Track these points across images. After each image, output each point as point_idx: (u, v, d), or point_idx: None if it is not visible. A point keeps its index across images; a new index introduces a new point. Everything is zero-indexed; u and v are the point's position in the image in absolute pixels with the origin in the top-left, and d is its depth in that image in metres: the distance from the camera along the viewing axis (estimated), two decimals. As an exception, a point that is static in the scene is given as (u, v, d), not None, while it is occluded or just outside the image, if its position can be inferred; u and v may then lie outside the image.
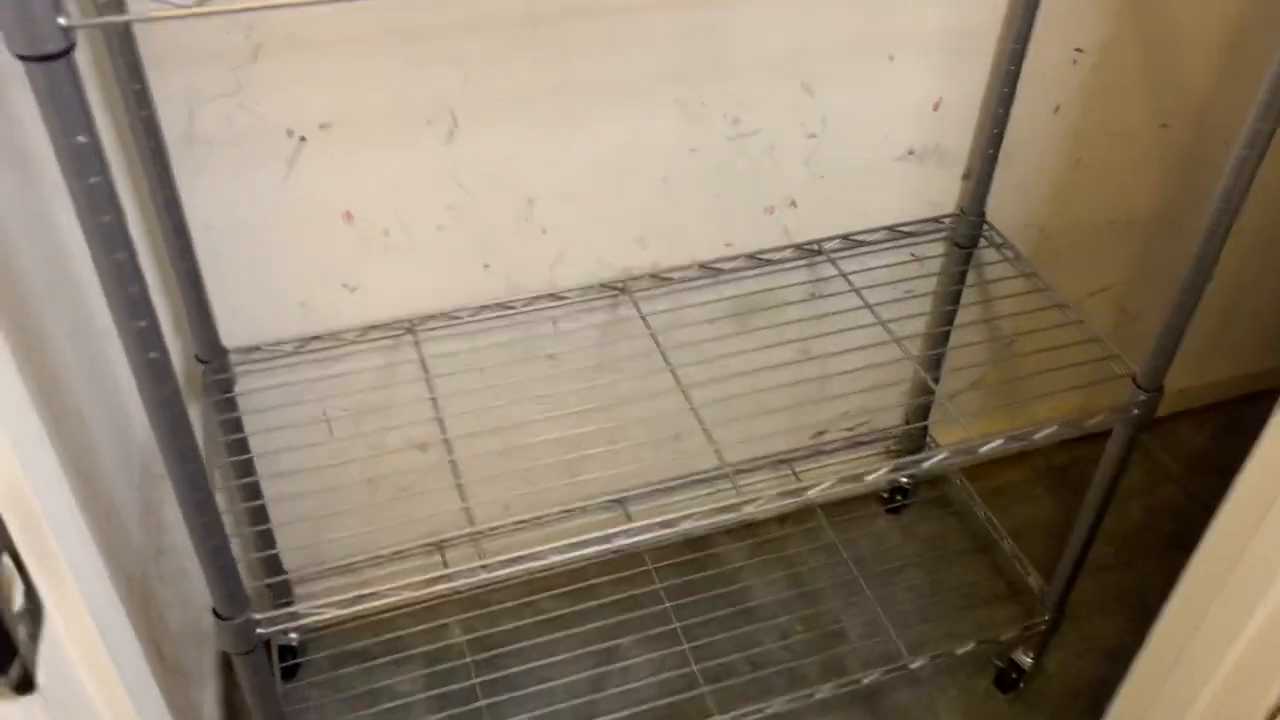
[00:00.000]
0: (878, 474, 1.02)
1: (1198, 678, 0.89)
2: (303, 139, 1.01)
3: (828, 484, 0.99)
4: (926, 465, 1.02)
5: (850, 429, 1.53)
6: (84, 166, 0.57)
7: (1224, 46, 1.31)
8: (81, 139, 0.56)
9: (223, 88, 0.95)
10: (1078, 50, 1.24)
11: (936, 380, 1.44)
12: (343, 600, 0.89)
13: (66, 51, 0.54)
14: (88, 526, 0.82)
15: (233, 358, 1.11)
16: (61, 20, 0.52)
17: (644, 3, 1.03)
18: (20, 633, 0.52)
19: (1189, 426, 1.75)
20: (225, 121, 0.97)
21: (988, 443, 1.04)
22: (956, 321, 1.39)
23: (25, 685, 0.52)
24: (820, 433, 1.52)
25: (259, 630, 0.86)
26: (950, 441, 1.06)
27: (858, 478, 1.01)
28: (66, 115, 0.55)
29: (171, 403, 0.70)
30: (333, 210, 1.06)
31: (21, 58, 0.53)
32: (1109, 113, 1.31)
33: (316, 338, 1.14)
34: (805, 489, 0.98)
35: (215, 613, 0.84)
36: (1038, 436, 1.05)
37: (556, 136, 1.09)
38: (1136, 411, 1.08)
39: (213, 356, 1.08)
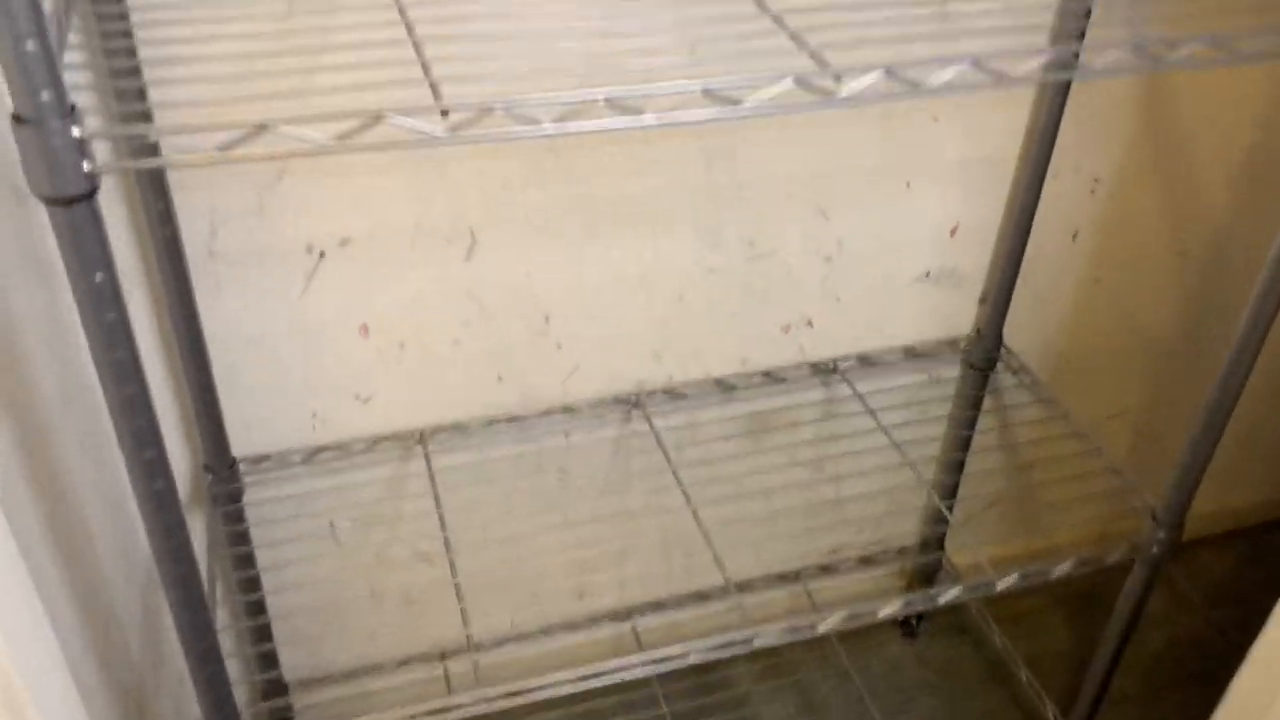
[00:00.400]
0: (890, 609, 0.99)
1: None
2: (322, 254, 1.02)
3: (839, 615, 0.97)
4: (941, 601, 1.00)
5: (864, 548, 1.51)
6: (100, 303, 0.57)
7: (1242, 177, 1.31)
8: (99, 277, 0.56)
9: (246, 206, 0.96)
10: (1095, 180, 1.25)
11: (951, 505, 1.42)
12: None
13: (90, 194, 0.54)
14: (85, 643, 0.81)
15: (242, 467, 1.10)
16: (86, 165, 0.53)
17: (663, 134, 1.05)
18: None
19: (1210, 554, 1.71)
20: (247, 237, 0.98)
21: (1002, 577, 1.01)
22: (973, 445, 1.38)
23: None
24: (834, 550, 1.49)
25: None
26: (966, 564, 1.03)
27: (870, 611, 0.99)
28: (86, 255, 0.55)
29: (167, 506, 0.69)
30: (350, 324, 1.07)
31: (45, 199, 0.54)
32: (1127, 239, 1.32)
33: (326, 448, 1.13)
34: (814, 624, 0.96)
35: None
36: (1054, 574, 1.03)
37: (575, 254, 1.10)
38: (1155, 549, 1.06)
39: (221, 466, 1.08)
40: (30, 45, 0.49)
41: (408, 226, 1.02)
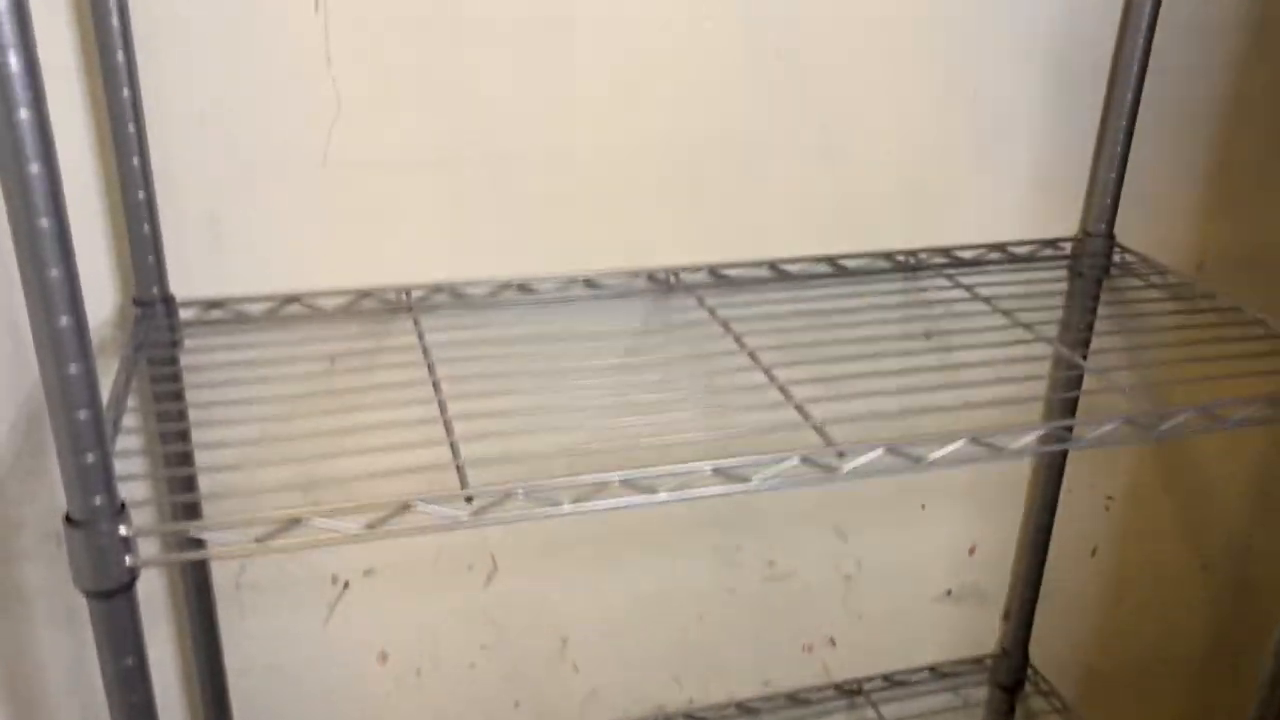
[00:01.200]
0: None
1: None
2: (346, 585, 1.03)
3: None
4: None
5: None
6: (128, 686, 0.59)
7: (1257, 491, 1.33)
8: (130, 661, 0.58)
9: (276, 538, 0.99)
10: (1109, 498, 1.26)
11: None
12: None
13: (129, 585, 0.57)
14: None
15: (252, 799, 1.07)
16: (129, 560, 0.56)
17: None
18: None
19: None
20: (275, 570, 1.01)
21: None
22: (1006, 769, 1.33)
23: None
24: None
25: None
26: None
27: None
28: (118, 641, 0.58)
29: None
30: (369, 651, 1.07)
31: (86, 593, 0.56)
32: (1147, 554, 1.32)
33: (340, 778, 1.10)
34: None
35: None
36: None
37: (594, 577, 1.11)
38: None
39: (231, 799, 1.05)
40: (90, 458, 0.54)
41: (430, 556, 1.05)
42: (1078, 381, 1.02)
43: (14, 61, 0.45)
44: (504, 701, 1.14)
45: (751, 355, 0.81)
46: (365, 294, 0.89)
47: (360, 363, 0.90)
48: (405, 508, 0.61)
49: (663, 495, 0.65)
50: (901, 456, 0.68)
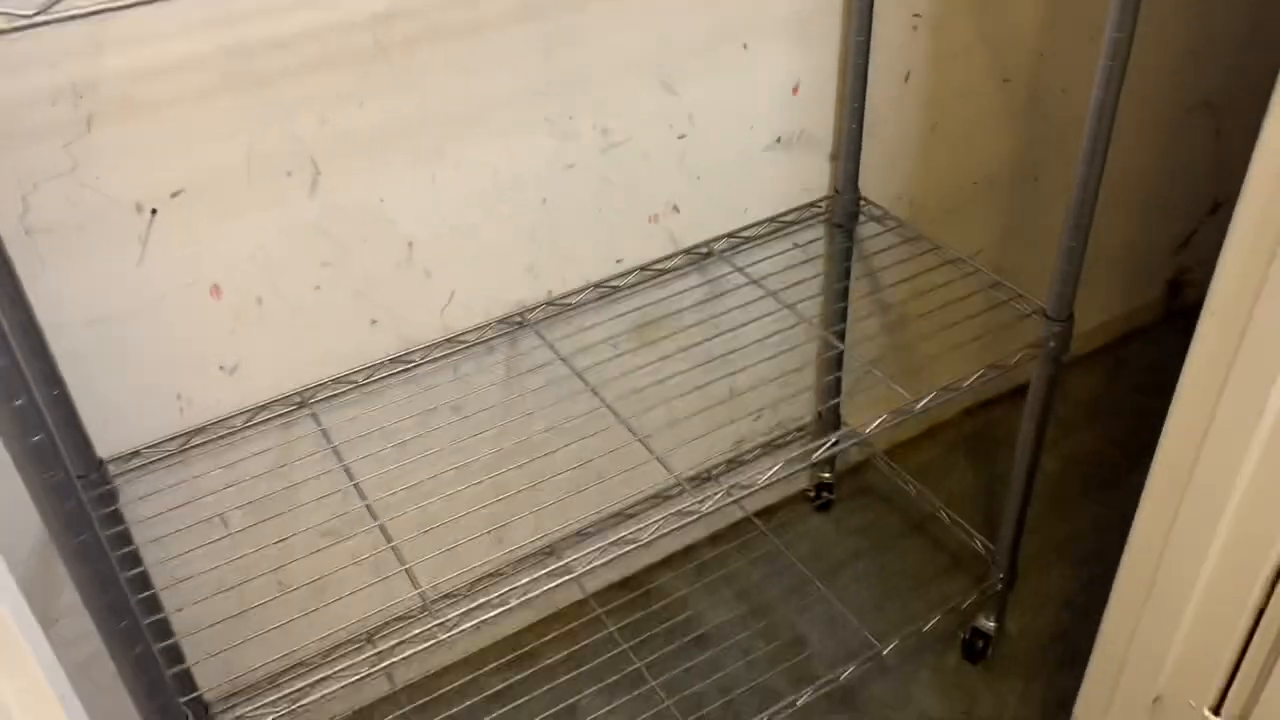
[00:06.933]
0: (822, 450, 0.98)
1: (1186, 571, 0.88)
2: (154, 212, 0.92)
3: (773, 471, 0.96)
4: (868, 431, 1.00)
5: (767, 434, 1.50)
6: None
7: (1046, 1, 1.36)
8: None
9: (57, 167, 0.87)
10: (915, 15, 1.27)
11: (840, 360, 1.43)
12: (291, 695, 0.80)
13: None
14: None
15: (110, 469, 1.00)
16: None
17: (491, 19, 1.00)
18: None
19: (1078, 375, 1.79)
20: (65, 204, 0.88)
21: (921, 399, 1.02)
22: (852, 297, 1.39)
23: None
24: (737, 442, 1.48)
25: (200, 748, 0.76)
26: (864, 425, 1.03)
27: (804, 456, 0.98)
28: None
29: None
30: (197, 286, 0.98)
31: None
32: (954, 75, 1.35)
33: (199, 430, 1.04)
34: (747, 486, 0.94)
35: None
36: (965, 384, 1.04)
37: (426, 171, 1.04)
38: (1053, 344, 1.09)
39: (88, 469, 0.97)
40: None
41: (240, 163, 0.94)
42: None
43: None
44: (359, 321, 1.08)
45: None
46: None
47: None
48: None
49: None
50: None
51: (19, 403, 0.60)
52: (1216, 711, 0.87)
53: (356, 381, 1.10)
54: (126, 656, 0.70)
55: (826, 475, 1.56)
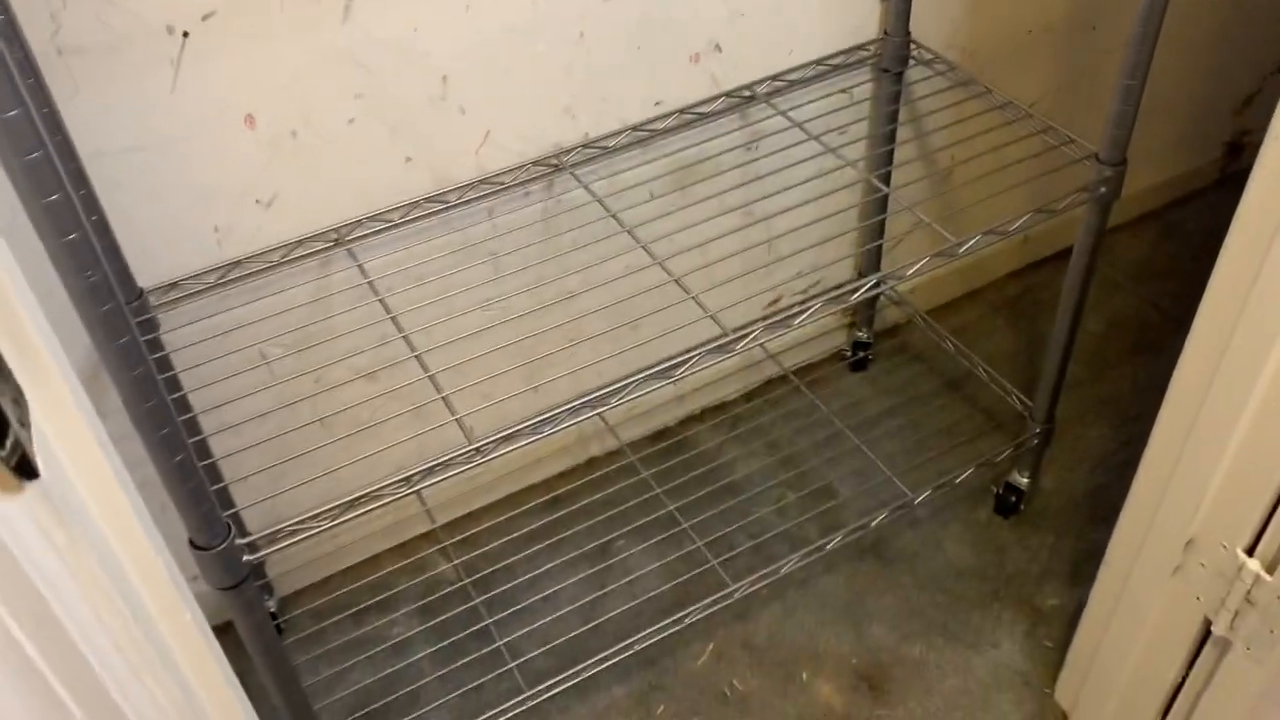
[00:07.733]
0: (863, 291, 0.97)
1: (1230, 409, 0.86)
2: (185, 34, 0.91)
3: (811, 310, 0.95)
4: (910, 272, 0.98)
5: (804, 293, 1.49)
6: None
7: None
8: None
9: (86, -18, 0.85)
10: None
11: (884, 207, 1.40)
12: (332, 509, 0.82)
13: None
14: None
15: (150, 299, 1.01)
16: None
17: None
18: (9, 412, 0.44)
19: (1127, 238, 1.75)
20: (95, 23, 0.87)
21: (965, 241, 1.00)
22: (898, 143, 1.35)
23: (26, 468, 0.45)
24: (775, 300, 1.47)
25: (246, 556, 0.78)
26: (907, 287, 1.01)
27: (843, 297, 0.96)
28: None
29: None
30: (232, 115, 0.97)
31: None
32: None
33: (236, 264, 1.04)
34: (785, 327, 0.93)
35: (193, 544, 0.76)
36: (1012, 227, 1.02)
37: (461, 1, 1.01)
38: (1104, 189, 1.05)
39: (129, 298, 0.98)
40: None
41: (272, -15, 0.92)
42: None
43: None
44: (394, 157, 1.07)
45: None
46: None
47: None
48: None
49: None
50: None
51: (73, 236, 0.59)
52: (1250, 553, 0.87)
53: (392, 220, 1.09)
54: (169, 467, 0.71)
55: (863, 334, 1.55)
